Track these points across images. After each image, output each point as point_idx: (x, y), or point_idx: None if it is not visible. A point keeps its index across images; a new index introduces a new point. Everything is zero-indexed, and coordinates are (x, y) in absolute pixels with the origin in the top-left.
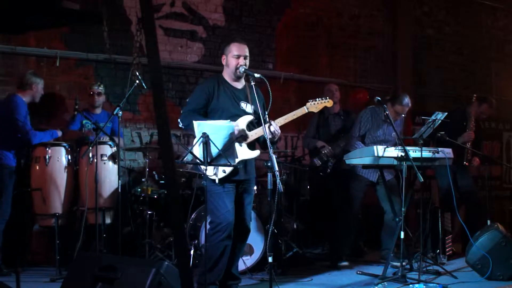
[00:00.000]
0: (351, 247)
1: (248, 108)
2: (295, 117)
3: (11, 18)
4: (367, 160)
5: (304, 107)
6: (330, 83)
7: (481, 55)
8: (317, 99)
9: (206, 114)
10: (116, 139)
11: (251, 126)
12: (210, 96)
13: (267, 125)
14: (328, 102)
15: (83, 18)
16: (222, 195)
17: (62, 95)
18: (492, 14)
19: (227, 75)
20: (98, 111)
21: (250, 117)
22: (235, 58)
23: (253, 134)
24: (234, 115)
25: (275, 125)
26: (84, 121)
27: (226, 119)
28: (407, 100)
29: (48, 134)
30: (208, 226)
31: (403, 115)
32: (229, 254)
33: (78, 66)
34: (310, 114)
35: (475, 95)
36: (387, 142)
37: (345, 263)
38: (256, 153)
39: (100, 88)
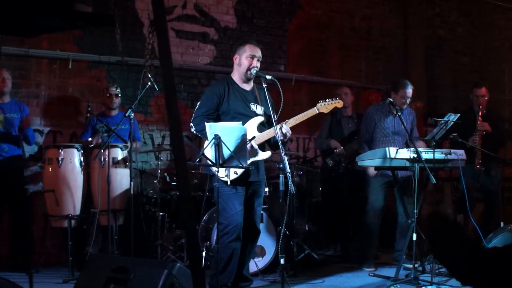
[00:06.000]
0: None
1: (258, 109)
2: (305, 117)
3: (24, 21)
4: (378, 162)
5: (315, 108)
6: (343, 87)
7: (494, 56)
8: (327, 100)
9: (218, 117)
10: (134, 143)
11: (262, 127)
12: (221, 98)
13: (278, 127)
14: (338, 103)
15: (95, 21)
16: (231, 197)
17: (75, 97)
18: (505, 15)
19: (237, 76)
20: (115, 113)
21: (260, 119)
22: (249, 58)
23: (264, 135)
24: (245, 116)
25: (286, 127)
26: (98, 126)
27: (238, 120)
28: (408, 83)
29: None
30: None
31: (411, 109)
32: (240, 256)
33: (91, 68)
34: (322, 116)
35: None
36: (398, 135)
37: (371, 268)
38: (267, 154)
39: (117, 90)
